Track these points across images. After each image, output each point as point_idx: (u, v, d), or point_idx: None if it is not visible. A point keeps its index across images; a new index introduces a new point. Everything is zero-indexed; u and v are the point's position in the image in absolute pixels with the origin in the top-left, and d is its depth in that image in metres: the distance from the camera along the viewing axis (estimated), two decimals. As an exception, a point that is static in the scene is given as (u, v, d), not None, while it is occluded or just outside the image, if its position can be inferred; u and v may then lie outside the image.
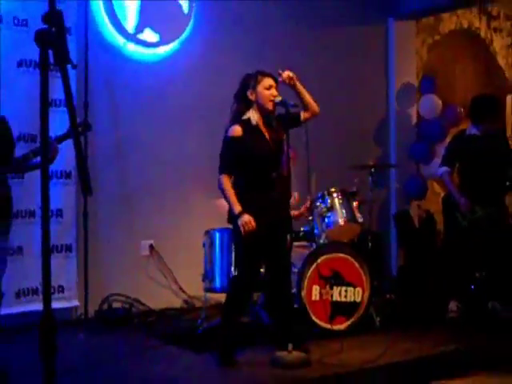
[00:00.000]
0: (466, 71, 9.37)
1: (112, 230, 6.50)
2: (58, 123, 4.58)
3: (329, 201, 5.90)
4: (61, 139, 4.39)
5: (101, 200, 6.08)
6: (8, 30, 5.81)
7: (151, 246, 6.76)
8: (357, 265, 5.76)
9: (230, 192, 4.78)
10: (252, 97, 4.85)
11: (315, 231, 5.99)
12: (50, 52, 2.10)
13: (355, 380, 4.73)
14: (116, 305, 6.44)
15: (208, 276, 5.91)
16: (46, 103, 2.15)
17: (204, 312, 5.87)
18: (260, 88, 4.83)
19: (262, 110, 4.87)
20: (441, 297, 6.47)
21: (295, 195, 5.87)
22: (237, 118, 4.87)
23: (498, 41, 10.00)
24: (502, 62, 10.08)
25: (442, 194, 6.96)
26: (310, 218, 5.99)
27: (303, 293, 5.53)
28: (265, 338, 5.24)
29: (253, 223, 4.69)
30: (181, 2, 6.91)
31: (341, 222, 5.87)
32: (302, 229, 6.12)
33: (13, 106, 4.97)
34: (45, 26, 2.10)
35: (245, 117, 4.85)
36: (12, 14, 5.84)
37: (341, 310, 5.68)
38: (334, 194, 5.92)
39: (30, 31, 5.68)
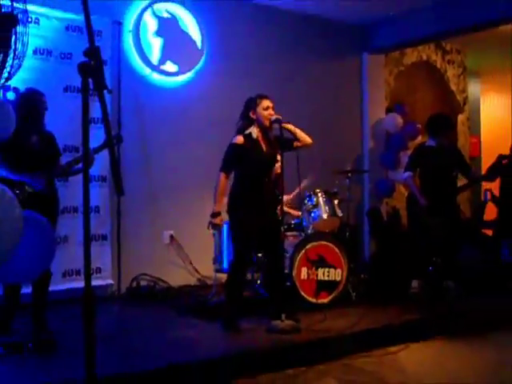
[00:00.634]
0: (425, 95, 9.38)
1: (139, 223, 6.49)
2: (96, 137, 4.58)
3: (314, 199, 5.90)
4: (97, 150, 4.39)
5: (130, 199, 6.08)
6: (56, 62, 5.82)
7: (171, 236, 6.76)
8: (337, 250, 5.76)
9: (220, 190, 4.84)
10: (253, 116, 4.86)
11: (304, 224, 5.99)
12: (90, 80, 2.11)
13: (336, 343, 4.72)
14: (143, 283, 6.44)
15: (217, 260, 5.94)
16: (86, 121, 2.16)
17: (214, 288, 5.88)
18: (259, 109, 4.84)
19: (261, 127, 4.88)
20: (405, 276, 6.46)
21: (292, 194, 5.93)
22: (241, 132, 4.88)
23: (451, 70, 10.02)
24: (453, 87, 10.11)
25: (406, 194, 6.96)
26: (299, 213, 6.01)
27: (294, 273, 5.53)
28: (262, 309, 5.22)
29: (220, 226, 5.04)
30: (195, 39, 6.91)
31: (324, 216, 5.87)
32: (293, 222, 6.12)
33: (60, 123, 4.97)
34: (86, 59, 2.11)
35: (247, 131, 4.86)
36: (59, 49, 5.84)
37: (324, 286, 5.67)
38: (319, 194, 5.91)
39: (73, 63, 5.67)
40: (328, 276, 5.70)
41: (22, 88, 5.03)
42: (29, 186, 4.28)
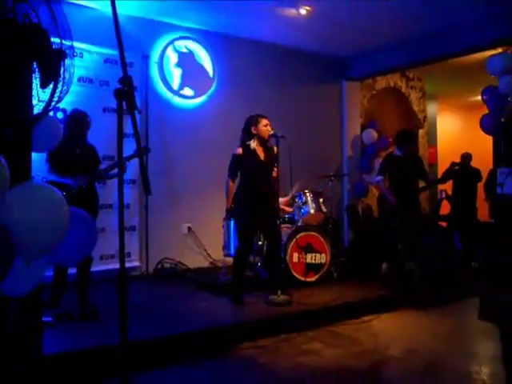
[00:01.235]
0: (393, 114, 9.36)
1: (163, 217, 6.48)
2: (129, 149, 4.57)
3: (304, 198, 5.90)
4: (128, 158, 4.38)
5: (156, 198, 6.05)
6: (96, 88, 5.83)
7: (189, 228, 6.75)
8: (322, 239, 5.76)
9: (230, 192, 4.91)
10: (254, 131, 4.87)
11: (295, 217, 5.99)
12: (124, 103, 2.11)
13: (321, 314, 4.72)
14: (166, 265, 6.43)
15: (226, 246, 5.92)
16: (121, 135, 2.16)
17: (223, 269, 5.88)
18: (260, 125, 4.85)
19: (260, 140, 4.89)
20: (376, 260, 6.46)
21: (287, 197, 5.92)
22: (242, 144, 4.90)
23: (413, 94, 10.01)
24: (415, 108, 10.09)
25: (377, 194, 6.95)
26: (292, 209, 6.02)
27: (287, 257, 5.53)
28: (262, 286, 5.22)
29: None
30: (208, 69, 6.91)
31: (312, 211, 5.87)
32: (286, 216, 6.12)
33: (99, 137, 4.96)
34: (120, 86, 2.11)
35: (247, 143, 4.87)
36: (98, 78, 5.85)
37: (312, 268, 5.68)
38: (307, 194, 5.92)
39: (110, 89, 5.69)
40: (315, 259, 5.70)
41: (69, 109, 5.02)
42: (72, 187, 4.29)
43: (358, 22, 6.56)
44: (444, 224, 8.16)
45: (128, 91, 2.09)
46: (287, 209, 6.13)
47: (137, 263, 6.22)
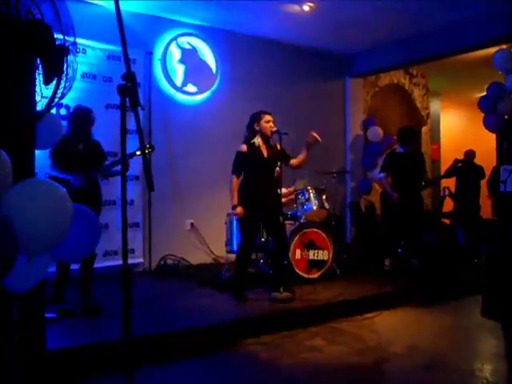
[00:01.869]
0: (396, 111, 9.35)
1: (166, 213, 6.48)
2: (131, 145, 4.56)
3: (307, 195, 5.89)
4: (131, 156, 4.39)
5: (159, 194, 6.01)
6: (99, 84, 5.83)
7: (192, 224, 6.75)
8: (325, 236, 5.75)
9: (234, 189, 4.84)
10: (257, 128, 4.86)
11: (298, 214, 5.98)
12: (127, 99, 2.11)
13: (324, 310, 4.72)
14: (169, 261, 6.43)
15: (229, 243, 5.92)
16: (124, 132, 2.15)
17: (226, 266, 5.88)
18: (263, 122, 4.84)
19: (263, 137, 4.88)
20: (379, 256, 6.46)
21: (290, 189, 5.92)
22: (246, 141, 4.88)
23: (417, 91, 9.98)
24: (418, 105, 10.06)
25: (380, 191, 6.94)
26: (295, 205, 6.00)
27: (290, 254, 5.53)
28: (264, 283, 5.23)
29: (241, 214, 4.81)
30: (211, 66, 6.90)
31: (314, 208, 5.86)
32: (289, 213, 6.11)
33: (102, 133, 4.95)
34: (123, 82, 2.10)
35: (252, 141, 4.86)
36: (102, 74, 5.85)
37: (314, 265, 5.68)
38: (310, 190, 5.91)
39: (113, 85, 5.68)
40: (317, 256, 5.70)
41: (72, 105, 5.03)
42: (72, 183, 4.29)
43: (361, 19, 6.54)
44: (447, 221, 8.15)
45: (131, 87, 2.08)
46: (288, 195, 6.05)
47: (140, 259, 6.23)
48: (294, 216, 6.06)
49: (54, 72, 2.51)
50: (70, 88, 2.58)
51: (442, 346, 4.09)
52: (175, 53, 6.64)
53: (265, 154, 4.88)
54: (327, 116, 8.21)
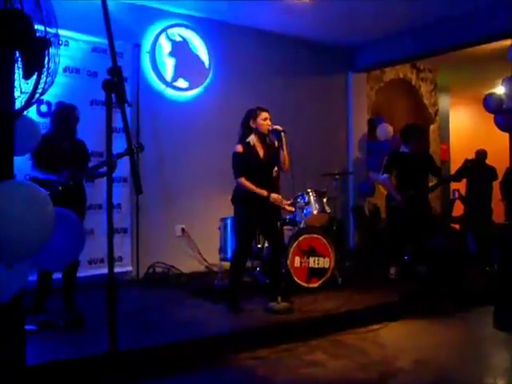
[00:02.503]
0: (402, 108, 9.37)
1: (155, 218, 6.48)
2: (118, 144, 4.57)
3: (306, 198, 5.90)
4: (119, 156, 4.39)
5: (147, 197, 6.07)
6: (83, 79, 5.82)
7: (182, 229, 6.75)
8: (326, 242, 5.76)
9: (252, 186, 4.78)
10: (253, 125, 4.86)
11: (297, 219, 5.98)
12: (113, 95, 2.11)
13: (325, 322, 4.72)
14: (158, 270, 6.42)
15: (222, 250, 5.93)
16: (110, 130, 2.15)
17: (219, 275, 5.88)
18: (259, 119, 4.83)
19: (259, 135, 4.88)
20: (384, 264, 6.47)
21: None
22: (241, 140, 4.88)
23: (424, 87, 10.01)
24: (426, 101, 10.10)
25: (385, 193, 6.97)
26: (293, 209, 5.99)
27: (288, 261, 5.53)
28: (261, 293, 5.23)
29: (279, 198, 4.81)
30: (203, 59, 6.91)
31: (315, 212, 5.86)
32: (287, 217, 6.11)
33: (86, 132, 4.95)
34: (109, 77, 2.11)
35: (247, 140, 4.86)
36: (86, 68, 5.84)
37: (315, 273, 5.68)
38: (310, 193, 5.91)
39: (98, 80, 5.65)
40: (318, 264, 5.70)
41: (54, 102, 5.03)
42: (58, 183, 4.29)
43: (365, 9, 6.56)
44: (457, 226, 8.17)
45: (117, 82, 2.09)
46: (289, 207, 6.08)
47: (129, 268, 6.21)
48: (292, 221, 6.06)
49: (34, 66, 2.51)
50: (52, 83, 2.59)
51: (451, 360, 4.09)
52: (165, 45, 6.64)
53: (261, 153, 4.88)
54: (328, 113, 8.23)
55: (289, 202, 5.64)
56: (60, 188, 4.28)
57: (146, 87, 6.51)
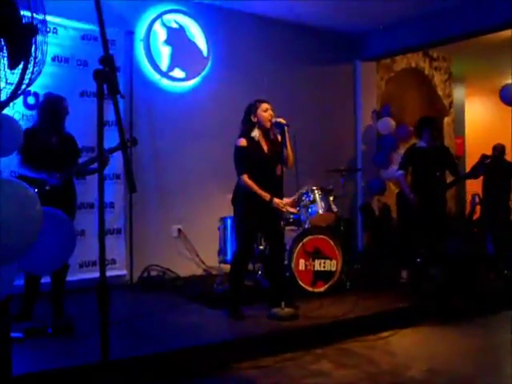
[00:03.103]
0: (414, 99, 9.37)
1: (150, 218, 6.49)
2: (111, 139, 4.57)
3: (312, 196, 5.89)
4: (112, 151, 4.40)
5: (142, 196, 6.08)
6: (73, 68, 5.81)
7: (179, 230, 6.75)
8: (332, 243, 5.75)
9: (254, 186, 4.74)
10: (254, 119, 4.84)
11: (301, 218, 5.97)
12: (105, 86, 2.11)
13: (331, 329, 4.72)
14: (153, 273, 6.43)
15: (222, 251, 5.93)
16: (101, 123, 2.15)
17: (219, 278, 5.87)
18: (259, 111, 4.81)
19: (262, 128, 4.85)
20: (394, 267, 6.46)
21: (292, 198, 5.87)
22: (244, 134, 4.85)
23: (438, 77, 10.00)
24: (440, 92, 10.09)
25: (396, 191, 6.95)
26: (298, 209, 5.98)
27: (293, 264, 5.53)
28: (263, 298, 5.22)
29: (281, 203, 4.77)
30: (201, 48, 6.90)
31: (320, 211, 5.85)
32: (291, 217, 6.11)
33: (76, 125, 4.95)
34: (100, 66, 2.10)
35: (251, 134, 4.84)
36: (75, 57, 5.83)
37: (320, 276, 5.68)
38: (316, 191, 5.90)
39: (89, 70, 5.65)
40: (324, 267, 5.70)
41: (41, 93, 5.02)
42: (46, 183, 4.29)
43: (374, -7, 6.56)
44: (475, 231, 8.13)
45: (109, 72, 2.08)
46: (292, 209, 6.09)
47: (123, 271, 6.20)
48: (297, 221, 6.06)
49: (20, 55, 2.50)
50: (39, 73, 2.58)
51: (466, 370, 4.09)
52: (160, 33, 6.64)
53: (265, 149, 4.87)
54: (335, 105, 8.22)
55: (291, 200, 5.65)
56: (47, 187, 4.28)
57: (139, 77, 6.50)
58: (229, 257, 5.70)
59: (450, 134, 10.33)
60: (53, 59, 5.62)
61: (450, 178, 6.35)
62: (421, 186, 6.12)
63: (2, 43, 2.52)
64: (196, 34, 6.87)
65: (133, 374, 3.67)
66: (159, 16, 6.62)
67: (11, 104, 2.72)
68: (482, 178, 7.73)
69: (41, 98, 4.99)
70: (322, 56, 8.11)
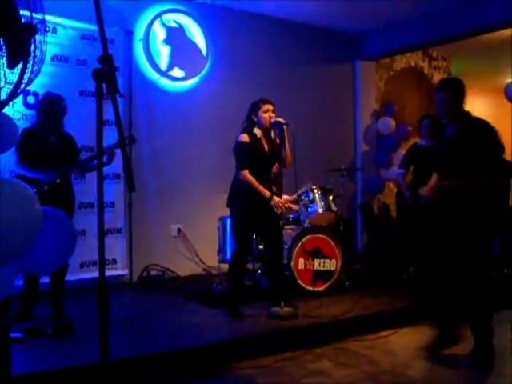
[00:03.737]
0: (413, 99, 9.36)
1: (149, 217, 6.49)
2: (110, 138, 4.56)
3: (311, 195, 5.89)
4: (110, 149, 4.40)
5: (142, 195, 6.08)
6: (72, 68, 5.81)
7: (179, 229, 6.75)
8: (332, 243, 5.75)
9: (255, 182, 4.74)
10: (254, 119, 4.85)
11: (301, 218, 5.98)
12: (104, 85, 2.11)
13: (331, 328, 4.72)
14: (153, 272, 6.43)
15: (221, 251, 5.93)
16: (100, 122, 2.15)
17: (218, 278, 5.88)
18: (261, 112, 4.83)
19: (262, 128, 4.87)
20: (394, 266, 6.45)
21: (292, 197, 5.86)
22: (246, 131, 4.85)
23: (437, 76, 9.98)
24: (440, 91, 10.06)
25: (395, 191, 6.95)
26: (297, 208, 5.98)
27: (292, 263, 5.53)
28: (263, 297, 5.22)
29: (282, 202, 4.79)
30: (201, 47, 6.90)
31: (320, 210, 5.86)
32: (291, 216, 6.11)
33: (76, 124, 4.96)
34: (100, 66, 2.10)
35: (253, 131, 4.84)
36: (75, 56, 5.83)
37: (320, 276, 5.68)
38: (315, 190, 5.90)
39: (88, 69, 5.65)
40: (323, 266, 5.70)
41: (41, 92, 5.02)
42: (44, 183, 4.28)
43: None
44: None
45: (108, 72, 2.08)
46: (293, 206, 6.08)
47: (124, 271, 6.19)
48: (296, 220, 6.06)
49: (19, 54, 2.50)
50: (39, 72, 2.58)
51: (467, 370, 4.08)
52: (159, 32, 6.63)
53: (266, 147, 4.88)
54: (334, 104, 8.22)
55: (291, 198, 5.64)
56: (45, 187, 4.27)
57: (138, 77, 6.50)
58: (228, 256, 5.70)
59: (449, 133, 10.33)
60: (52, 59, 5.62)
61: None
62: (422, 184, 6.11)
63: (1, 43, 2.51)
64: (195, 33, 6.87)
65: (133, 374, 3.68)
66: (158, 15, 6.62)
67: (11, 103, 2.71)
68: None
69: (40, 98, 4.99)
70: (322, 55, 8.11)
